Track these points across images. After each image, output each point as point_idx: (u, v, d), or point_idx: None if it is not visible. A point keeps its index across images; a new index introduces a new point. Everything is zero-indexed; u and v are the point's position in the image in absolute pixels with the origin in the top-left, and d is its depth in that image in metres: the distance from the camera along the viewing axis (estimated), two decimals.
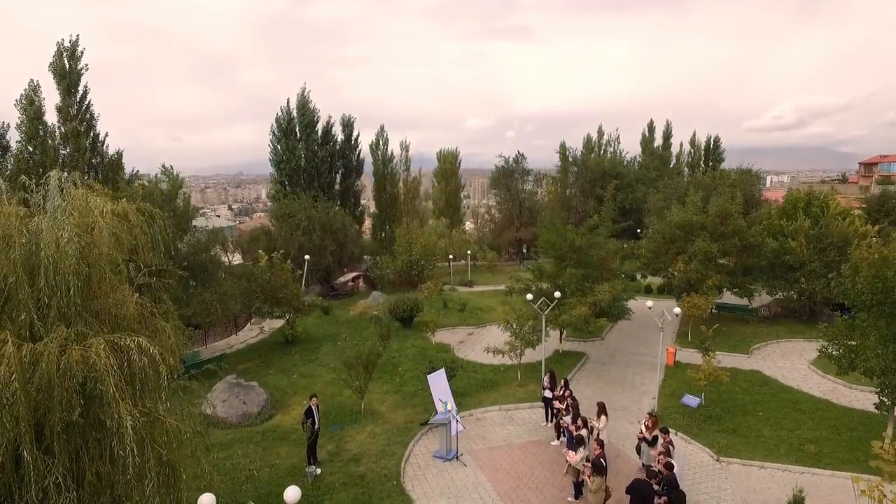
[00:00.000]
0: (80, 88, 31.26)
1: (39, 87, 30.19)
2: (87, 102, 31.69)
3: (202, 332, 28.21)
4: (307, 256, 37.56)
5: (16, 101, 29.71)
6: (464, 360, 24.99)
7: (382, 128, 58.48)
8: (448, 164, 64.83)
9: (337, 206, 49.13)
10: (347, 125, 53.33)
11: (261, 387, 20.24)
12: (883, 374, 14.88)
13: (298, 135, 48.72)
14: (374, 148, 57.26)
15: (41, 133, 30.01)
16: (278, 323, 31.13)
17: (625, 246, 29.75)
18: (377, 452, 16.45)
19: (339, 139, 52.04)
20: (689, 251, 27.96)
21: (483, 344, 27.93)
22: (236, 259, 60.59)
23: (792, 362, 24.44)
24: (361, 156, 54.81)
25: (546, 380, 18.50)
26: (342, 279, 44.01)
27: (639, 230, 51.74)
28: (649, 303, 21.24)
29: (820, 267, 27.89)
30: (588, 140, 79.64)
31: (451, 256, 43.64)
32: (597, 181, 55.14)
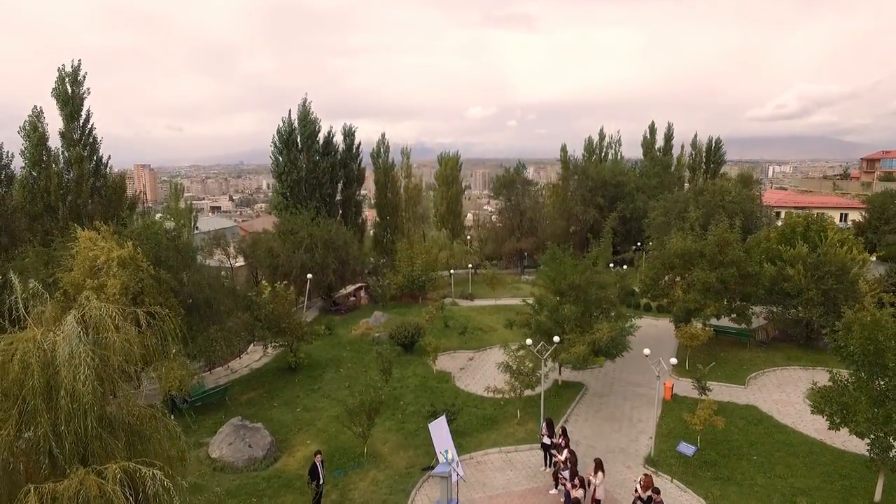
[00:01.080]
0: (83, 113, 31.49)
1: (43, 113, 30.42)
2: (89, 126, 31.97)
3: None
4: (309, 275, 37.91)
5: (19, 127, 29.92)
6: (464, 391, 25.42)
7: (383, 136, 58.56)
8: (449, 170, 64.77)
9: (338, 218, 49.60)
10: (349, 134, 53.41)
11: (265, 428, 20.63)
12: (873, 432, 15.24)
13: (300, 146, 48.81)
14: (375, 156, 57.37)
15: (45, 159, 30.28)
16: None
17: (624, 270, 29.84)
18: (380, 503, 16.89)
19: (340, 148, 52.20)
20: (688, 279, 28.25)
21: (484, 370, 28.49)
22: (239, 261, 61.27)
23: (788, 394, 24.82)
24: (363, 164, 55.06)
25: (544, 426, 18.90)
26: (344, 291, 44.41)
27: (639, 243, 51.85)
28: (646, 350, 21.57)
29: (818, 295, 28.13)
30: (589, 142, 79.55)
31: (451, 271, 43.87)
32: (598, 190, 55.23)
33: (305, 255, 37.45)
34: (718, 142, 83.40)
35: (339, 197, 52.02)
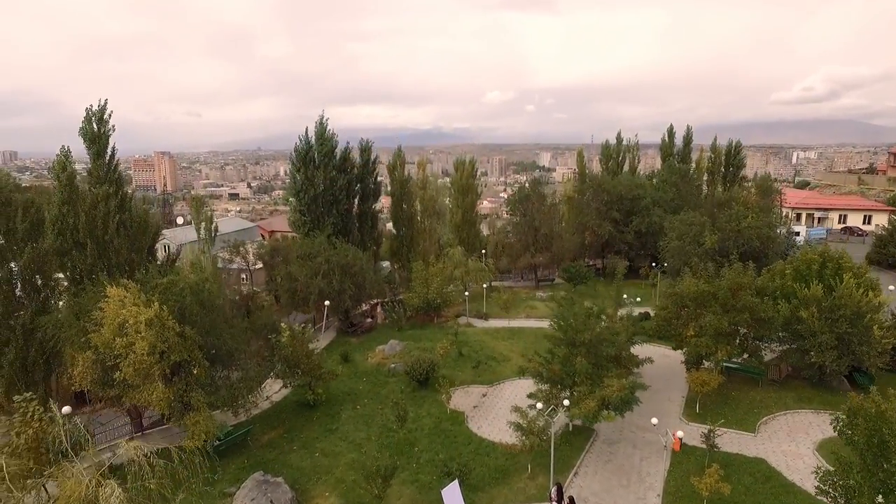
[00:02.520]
0: (108, 150, 32.43)
1: (70, 153, 31.40)
2: (115, 163, 32.90)
3: None
4: (327, 302, 38.84)
5: (49, 167, 30.88)
6: (477, 436, 26.12)
7: (400, 148, 59.09)
8: (465, 178, 64.75)
9: (355, 231, 50.34)
10: (365, 150, 54.01)
11: (286, 482, 21.56)
12: None
13: (317, 163, 49.41)
14: (392, 169, 57.90)
15: (73, 197, 31.31)
16: None
17: (640, 325, 29.86)
18: None
19: (356, 162, 52.82)
20: (700, 323, 28.40)
21: (497, 409, 29.16)
22: (258, 264, 62.53)
23: (798, 444, 25.08)
24: (379, 178, 55.70)
25: (553, 492, 19.56)
26: (360, 308, 45.38)
27: (654, 263, 51.72)
28: (654, 420, 21.96)
29: (831, 339, 28.15)
30: (606, 147, 79.10)
31: (466, 293, 44.46)
32: (613, 204, 55.05)
33: (323, 282, 38.29)
34: (738, 146, 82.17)
35: (355, 210, 52.76)
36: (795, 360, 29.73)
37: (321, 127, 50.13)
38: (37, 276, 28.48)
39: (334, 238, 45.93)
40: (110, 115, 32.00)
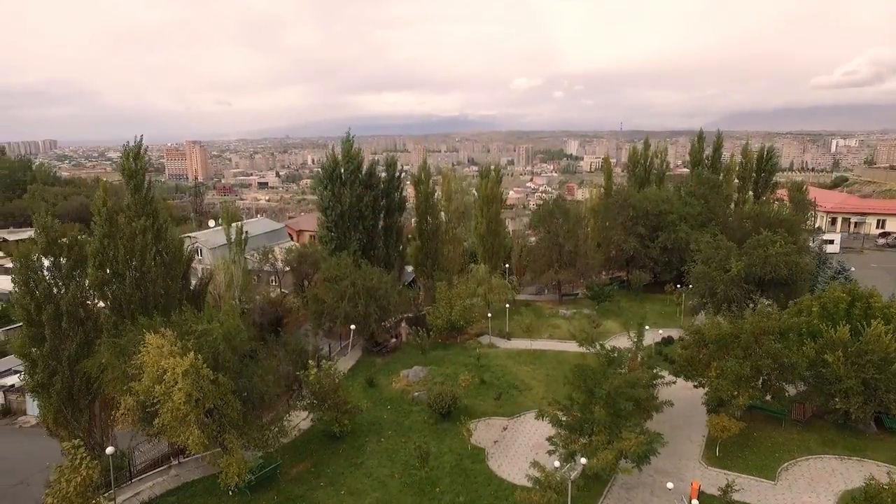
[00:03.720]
0: (145, 185, 33.79)
1: (109, 188, 32.82)
2: (150, 196, 34.26)
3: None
4: (353, 326, 39.92)
5: (91, 203, 32.37)
6: (497, 476, 26.81)
7: (425, 161, 59.57)
8: (490, 189, 64.62)
9: (381, 248, 51.25)
10: (391, 165, 54.75)
11: None
12: None
13: (343, 180, 50.27)
14: (417, 183, 58.42)
15: (113, 231, 32.79)
16: None
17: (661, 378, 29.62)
18: None
19: (382, 177, 53.58)
20: (721, 365, 28.39)
21: (517, 445, 29.81)
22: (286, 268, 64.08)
23: (818, 495, 25.08)
24: (404, 193, 56.38)
25: None
26: (385, 326, 46.37)
27: (680, 279, 51.22)
28: (669, 484, 22.26)
29: (857, 384, 27.89)
30: (634, 152, 78.22)
31: (489, 315, 44.99)
32: (639, 219, 54.69)
33: (349, 306, 39.30)
34: (770, 151, 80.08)
35: (381, 224, 53.63)
36: (820, 403, 29.54)
37: (348, 144, 50.99)
38: (80, 310, 30.02)
39: (360, 257, 47.08)
40: (146, 151, 33.33)
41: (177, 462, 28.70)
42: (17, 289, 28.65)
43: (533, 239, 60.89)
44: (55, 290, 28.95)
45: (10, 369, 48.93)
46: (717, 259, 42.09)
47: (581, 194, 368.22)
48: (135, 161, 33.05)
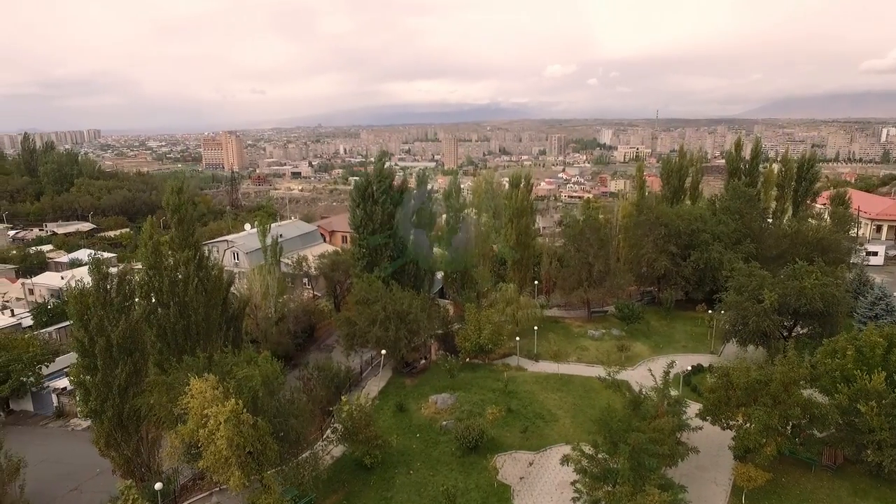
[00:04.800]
0: (187, 217, 35.38)
1: (154, 223, 34.54)
2: (193, 229, 35.87)
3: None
4: (384, 351, 41.08)
5: (138, 239, 34.06)
6: None
7: (456, 174, 59.97)
8: (520, 201, 64.47)
9: (410, 266, 52.12)
10: (422, 181, 55.43)
11: None
12: None
13: (376, 198, 51.18)
14: (447, 196, 58.98)
15: (158, 263, 34.51)
16: None
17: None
18: None
19: (413, 193, 54.33)
20: (749, 413, 28.33)
21: (543, 482, 30.47)
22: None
23: None
24: (435, 207, 57.00)
25: None
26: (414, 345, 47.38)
27: (713, 298, 50.53)
28: None
29: (891, 437, 27.49)
30: (668, 161, 76.90)
31: (517, 338, 45.49)
32: (671, 238, 54.11)
33: (380, 330, 40.39)
34: (812, 160, 77.52)
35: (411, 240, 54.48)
36: (850, 453, 29.25)
37: (380, 163, 51.97)
38: (129, 341, 31.84)
39: (390, 277, 48.13)
40: (187, 187, 34.85)
41: (217, 489, 30.40)
42: (72, 322, 30.60)
43: (561, 242, 60.81)
44: (107, 324, 30.74)
45: (63, 370, 51.91)
46: (750, 288, 41.53)
47: (614, 185, 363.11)
48: (178, 195, 34.65)
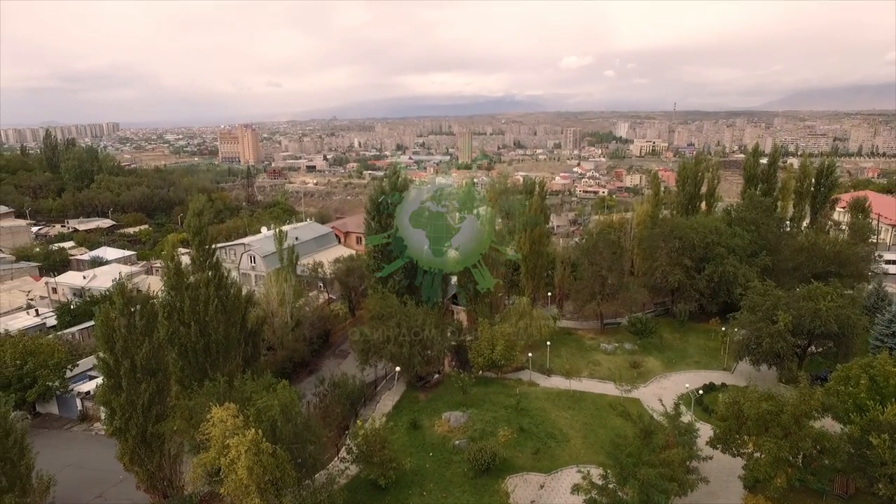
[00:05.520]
0: (208, 239, 36.24)
1: (178, 250, 35.45)
2: (213, 250, 36.77)
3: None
4: (398, 368, 41.80)
5: (160, 262, 35.00)
6: None
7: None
8: (533, 211, 64.69)
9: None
10: (437, 200, 55.77)
11: None
12: None
13: (390, 211, 51.76)
14: (462, 206, 59.29)
15: (180, 283, 35.46)
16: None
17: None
18: None
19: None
20: (759, 444, 28.55)
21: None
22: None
23: None
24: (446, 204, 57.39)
25: None
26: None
27: (726, 309, 50.48)
28: None
29: None
30: (683, 167, 76.38)
31: (530, 355, 45.92)
32: (685, 251, 54.01)
33: (394, 347, 41.11)
34: (832, 165, 76.44)
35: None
36: (862, 485, 29.35)
37: (394, 177, 52.42)
38: (153, 362, 32.90)
39: (404, 289, 48.79)
40: (207, 210, 35.68)
41: None
42: (98, 345, 31.71)
43: (575, 241, 60.75)
44: (131, 347, 31.77)
45: (85, 372, 53.42)
46: (764, 308, 41.50)
47: (630, 180, 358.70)
48: (199, 219, 35.53)
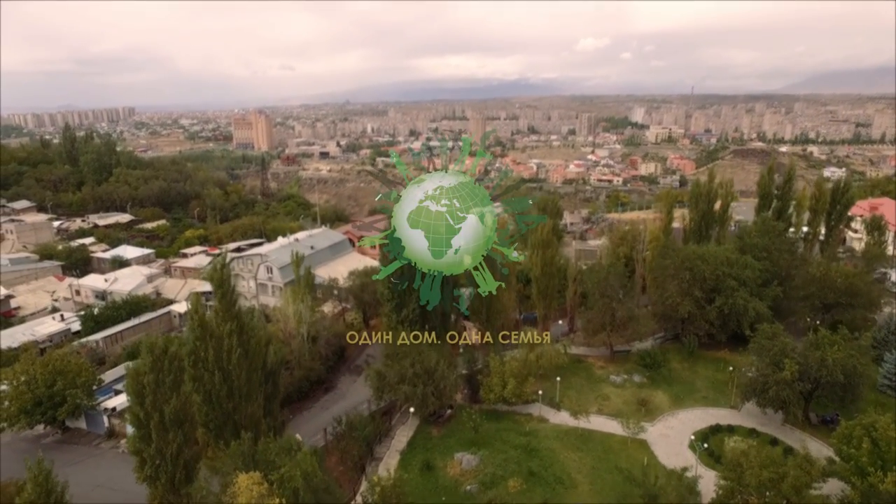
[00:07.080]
0: (230, 290, 37.64)
1: (202, 297, 36.91)
2: (235, 299, 38.19)
3: None
4: (412, 409, 43.31)
5: (184, 313, 36.54)
6: None
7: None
8: (546, 234, 65.01)
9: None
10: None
11: None
12: None
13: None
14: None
15: (205, 334, 37.02)
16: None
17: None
18: None
19: None
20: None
21: None
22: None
23: None
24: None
25: None
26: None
27: (739, 348, 51.19)
28: None
29: None
30: (697, 184, 76.28)
31: (540, 392, 47.11)
32: (696, 282, 54.51)
33: (409, 388, 42.58)
34: (847, 184, 75.93)
35: None
36: None
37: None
38: (181, 414, 34.64)
39: (416, 318, 50.02)
40: (229, 263, 37.04)
41: None
42: (129, 399, 33.47)
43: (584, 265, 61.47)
44: (160, 401, 33.49)
45: (111, 385, 55.48)
46: (772, 353, 42.18)
47: (645, 168, 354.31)
48: (222, 271, 36.94)
